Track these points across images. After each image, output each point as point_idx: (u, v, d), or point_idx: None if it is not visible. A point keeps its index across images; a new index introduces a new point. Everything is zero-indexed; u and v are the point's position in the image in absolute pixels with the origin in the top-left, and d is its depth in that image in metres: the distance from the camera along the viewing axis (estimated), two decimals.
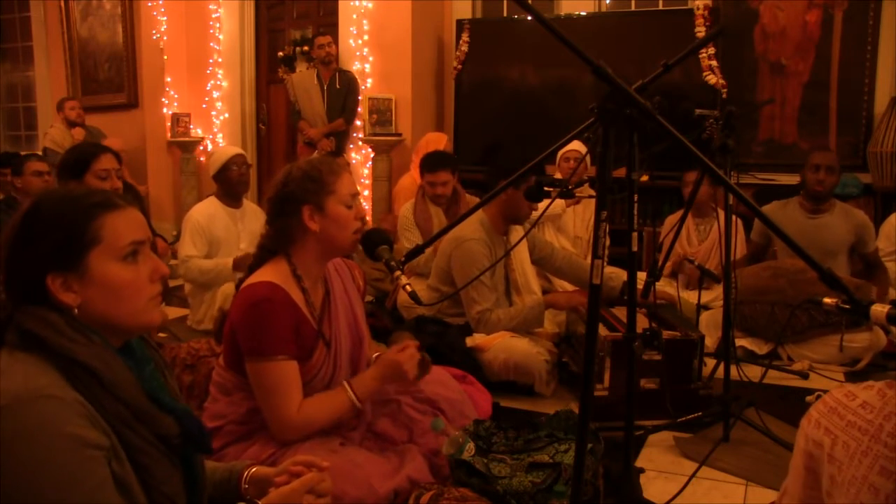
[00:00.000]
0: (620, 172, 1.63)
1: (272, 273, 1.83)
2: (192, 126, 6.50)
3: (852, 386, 0.99)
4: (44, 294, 1.08)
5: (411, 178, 4.54)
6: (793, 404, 2.71)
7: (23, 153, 5.08)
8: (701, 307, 3.37)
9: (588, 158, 3.98)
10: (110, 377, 1.06)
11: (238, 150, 3.83)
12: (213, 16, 6.30)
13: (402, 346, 1.95)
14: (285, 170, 1.91)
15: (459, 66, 5.42)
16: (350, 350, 1.97)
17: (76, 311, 1.09)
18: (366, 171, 5.65)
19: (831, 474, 0.94)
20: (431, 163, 3.92)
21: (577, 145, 4.00)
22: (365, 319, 2.09)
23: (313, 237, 1.86)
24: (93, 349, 1.06)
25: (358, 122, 5.64)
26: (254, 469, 1.36)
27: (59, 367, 1.03)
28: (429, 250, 2.10)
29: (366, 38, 5.54)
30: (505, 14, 5.77)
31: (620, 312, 2.94)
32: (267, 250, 1.90)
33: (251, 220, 3.74)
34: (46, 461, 0.96)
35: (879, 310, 1.25)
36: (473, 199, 4.10)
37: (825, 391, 2.38)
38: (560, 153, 4.11)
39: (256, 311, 1.76)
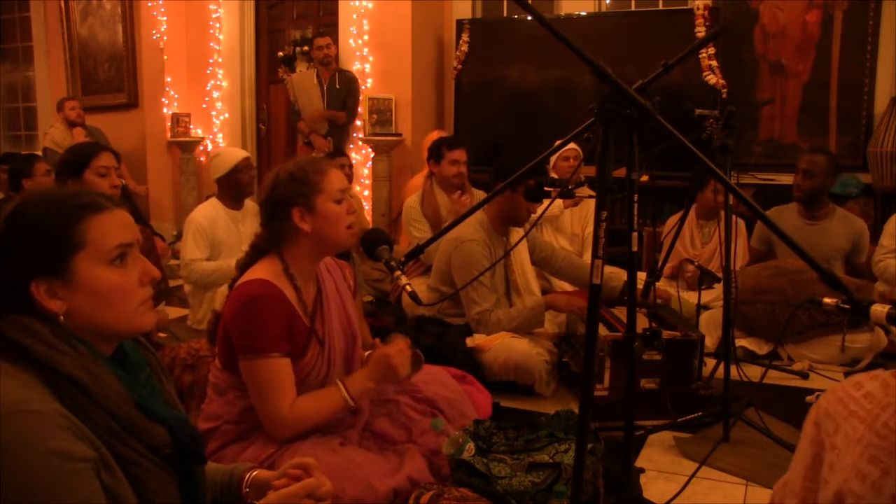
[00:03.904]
0: (620, 172, 1.63)
1: (265, 271, 1.84)
2: (192, 126, 6.50)
3: (861, 375, 1.01)
4: (28, 302, 1.04)
5: (423, 178, 4.54)
6: (793, 404, 2.71)
7: (23, 153, 5.08)
8: (701, 307, 3.37)
9: (582, 158, 3.98)
10: (96, 389, 1.02)
11: (244, 153, 3.81)
12: (213, 16, 6.30)
13: (392, 344, 1.95)
14: (273, 173, 1.91)
15: (459, 66, 5.42)
16: (344, 349, 1.97)
17: (62, 318, 1.05)
18: (366, 171, 5.65)
19: (831, 462, 0.97)
20: (451, 141, 4.02)
21: (573, 144, 3.99)
22: (358, 318, 2.09)
23: (306, 237, 1.86)
24: (79, 360, 1.03)
25: (358, 122, 5.64)
26: (254, 472, 1.34)
27: (44, 378, 1.00)
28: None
29: (366, 38, 5.55)
30: (505, 14, 5.77)
31: (620, 312, 2.94)
32: (260, 249, 1.91)
33: (252, 221, 3.73)
34: (31, 478, 0.94)
35: (879, 310, 1.25)
36: (480, 194, 4.12)
37: (825, 391, 2.38)
38: (556, 154, 4.10)
39: (249, 309, 1.76)
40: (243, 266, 1.91)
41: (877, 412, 0.93)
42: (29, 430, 0.94)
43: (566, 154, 4.10)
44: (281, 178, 1.87)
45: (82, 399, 1.01)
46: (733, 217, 2.53)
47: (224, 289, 3.48)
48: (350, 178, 4.74)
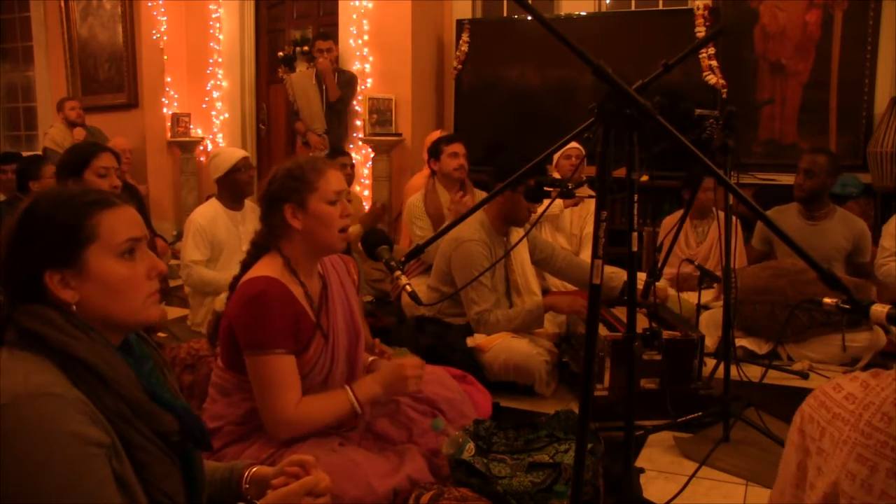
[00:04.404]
0: (620, 172, 1.63)
1: (268, 268, 1.84)
2: (192, 126, 6.50)
3: (841, 378, 1.03)
4: (42, 292, 1.08)
5: (423, 177, 4.55)
6: (793, 404, 2.69)
7: (24, 153, 5.07)
8: (701, 307, 3.37)
9: (585, 157, 3.99)
10: (110, 374, 1.06)
11: (243, 152, 3.81)
12: (213, 16, 6.31)
13: (408, 358, 1.97)
14: (272, 169, 1.93)
15: (459, 66, 5.42)
16: (347, 344, 1.97)
17: (74, 307, 1.09)
18: (366, 171, 5.65)
19: (818, 465, 0.98)
20: (448, 137, 4.12)
21: (575, 143, 4.00)
22: (361, 314, 2.09)
23: (298, 235, 1.87)
24: (92, 346, 1.06)
25: (358, 122, 5.64)
26: (254, 469, 1.36)
27: (59, 364, 1.03)
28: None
29: (366, 38, 5.55)
30: (505, 14, 5.77)
31: (620, 312, 2.94)
32: (260, 247, 1.91)
33: (252, 222, 3.73)
34: (48, 460, 0.96)
35: (879, 310, 1.25)
36: (481, 194, 4.14)
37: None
38: (559, 152, 4.11)
39: (255, 305, 1.76)
40: (245, 264, 1.91)
41: (859, 412, 0.94)
42: (50, 412, 0.98)
43: (568, 153, 4.11)
44: (278, 174, 1.88)
45: (95, 383, 1.04)
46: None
47: (224, 296, 3.49)
48: (352, 177, 4.75)
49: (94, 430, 1.00)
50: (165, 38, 6.44)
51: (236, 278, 1.91)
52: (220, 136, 6.44)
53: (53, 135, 6.09)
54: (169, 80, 6.50)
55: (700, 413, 2.54)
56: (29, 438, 0.96)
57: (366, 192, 5.62)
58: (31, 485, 0.95)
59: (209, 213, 3.70)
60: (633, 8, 5.40)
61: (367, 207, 5.48)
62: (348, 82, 5.47)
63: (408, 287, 1.72)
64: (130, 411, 1.07)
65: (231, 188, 3.70)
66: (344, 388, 1.88)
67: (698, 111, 2.46)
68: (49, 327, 1.05)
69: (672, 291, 3.58)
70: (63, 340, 1.04)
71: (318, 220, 1.86)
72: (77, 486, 0.97)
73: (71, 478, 0.97)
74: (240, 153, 3.76)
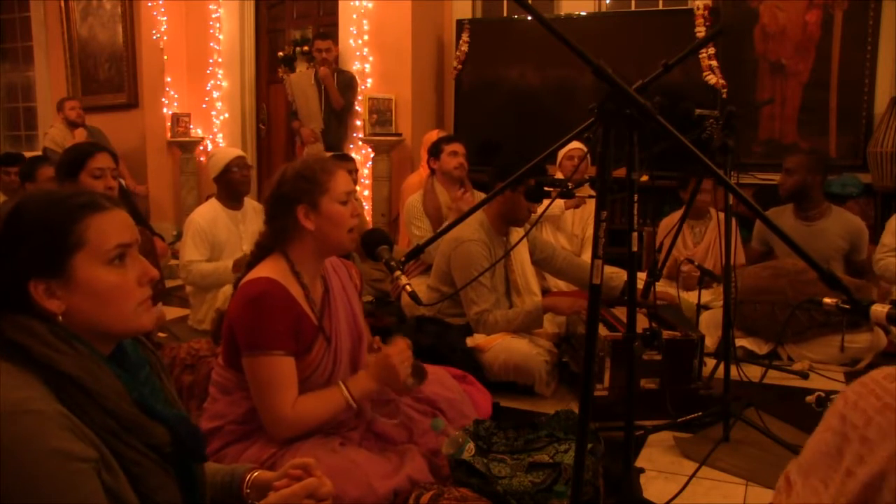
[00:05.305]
0: (620, 172, 1.63)
1: (271, 269, 1.84)
2: (192, 126, 6.50)
3: (893, 368, 1.00)
4: (27, 301, 1.04)
5: (419, 177, 4.56)
6: (793, 404, 2.71)
7: (24, 153, 5.07)
8: (701, 307, 3.37)
9: (588, 157, 3.99)
10: (96, 388, 1.02)
11: (238, 151, 3.83)
12: (213, 16, 6.31)
13: (392, 345, 1.95)
14: (280, 170, 1.92)
15: (459, 66, 5.42)
16: (350, 348, 1.97)
17: (60, 318, 1.05)
18: (366, 171, 5.65)
19: (860, 454, 0.95)
20: (448, 137, 4.16)
21: (579, 143, 4.00)
22: (363, 318, 2.10)
23: (310, 236, 1.87)
24: (78, 359, 1.03)
25: (358, 122, 5.64)
26: (255, 473, 1.34)
27: (43, 377, 1.00)
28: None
29: (366, 38, 5.55)
30: (505, 14, 5.77)
31: (620, 312, 2.94)
32: (264, 248, 1.91)
33: (252, 221, 3.74)
34: (31, 477, 0.94)
35: (879, 310, 1.25)
36: (480, 195, 4.14)
37: (825, 391, 2.39)
38: (562, 152, 4.11)
39: (254, 306, 1.77)
40: (249, 264, 1.92)
41: None
42: (30, 429, 0.94)
43: (570, 153, 4.11)
44: (288, 174, 1.88)
45: (81, 398, 1.01)
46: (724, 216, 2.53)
47: (226, 289, 3.50)
48: (355, 182, 4.75)
49: (78, 445, 0.97)
50: (165, 38, 6.44)
51: (239, 278, 1.91)
52: (220, 136, 6.44)
53: (53, 135, 6.08)
54: (169, 80, 6.49)
55: (700, 413, 2.53)
56: (10, 457, 0.93)
57: (366, 192, 5.62)
58: (18, 503, 0.93)
59: (209, 213, 3.70)
60: (633, 8, 5.40)
61: (367, 208, 5.50)
62: (348, 83, 5.47)
63: (408, 287, 1.72)
64: (118, 425, 1.03)
65: (227, 187, 3.71)
66: (338, 385, 1.88)
67: (698, 111, 2.46)
68: (33, 339, 1.01)
69: (671, 291, 3.58)
70: (47, 354, 1.00)
71: (329, 220, 1.86)
72: (63, 502, 0.95)
73: (56, 495, 0.94)
74: (234, 152, 3.78)
